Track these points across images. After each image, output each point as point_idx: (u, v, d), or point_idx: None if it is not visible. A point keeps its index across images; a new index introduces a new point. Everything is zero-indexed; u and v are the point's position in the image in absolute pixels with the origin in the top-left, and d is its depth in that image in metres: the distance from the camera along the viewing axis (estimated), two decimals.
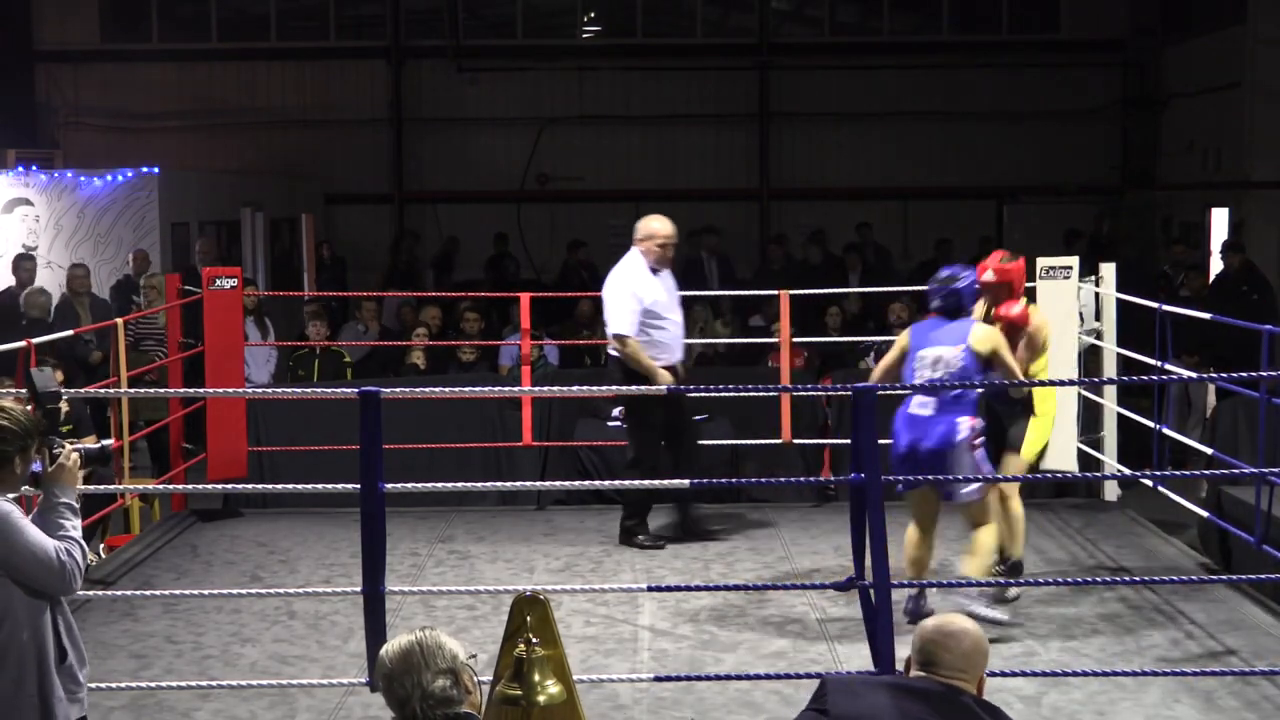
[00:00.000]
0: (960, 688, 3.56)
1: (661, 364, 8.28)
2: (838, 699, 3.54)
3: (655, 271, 8.43)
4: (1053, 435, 8.89)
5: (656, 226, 8.48)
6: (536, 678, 4.31)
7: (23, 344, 7.53)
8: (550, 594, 4.77)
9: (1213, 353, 11.13)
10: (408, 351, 11.46)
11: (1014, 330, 7.20)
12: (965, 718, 3.51)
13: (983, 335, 7.01)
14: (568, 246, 17.49)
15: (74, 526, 4.13)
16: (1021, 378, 7.04)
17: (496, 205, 20.07)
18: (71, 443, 4.27)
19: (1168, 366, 8.03)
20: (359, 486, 5.44)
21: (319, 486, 6.15)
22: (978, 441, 6.89)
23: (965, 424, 6.83)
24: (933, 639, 3.62)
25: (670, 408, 8.39)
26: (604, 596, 7.41)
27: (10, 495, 4.11)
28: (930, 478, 6.70)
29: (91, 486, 4.71)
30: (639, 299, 8.30)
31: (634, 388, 8.08)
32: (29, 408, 4.30)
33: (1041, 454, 7.73)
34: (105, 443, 4.45)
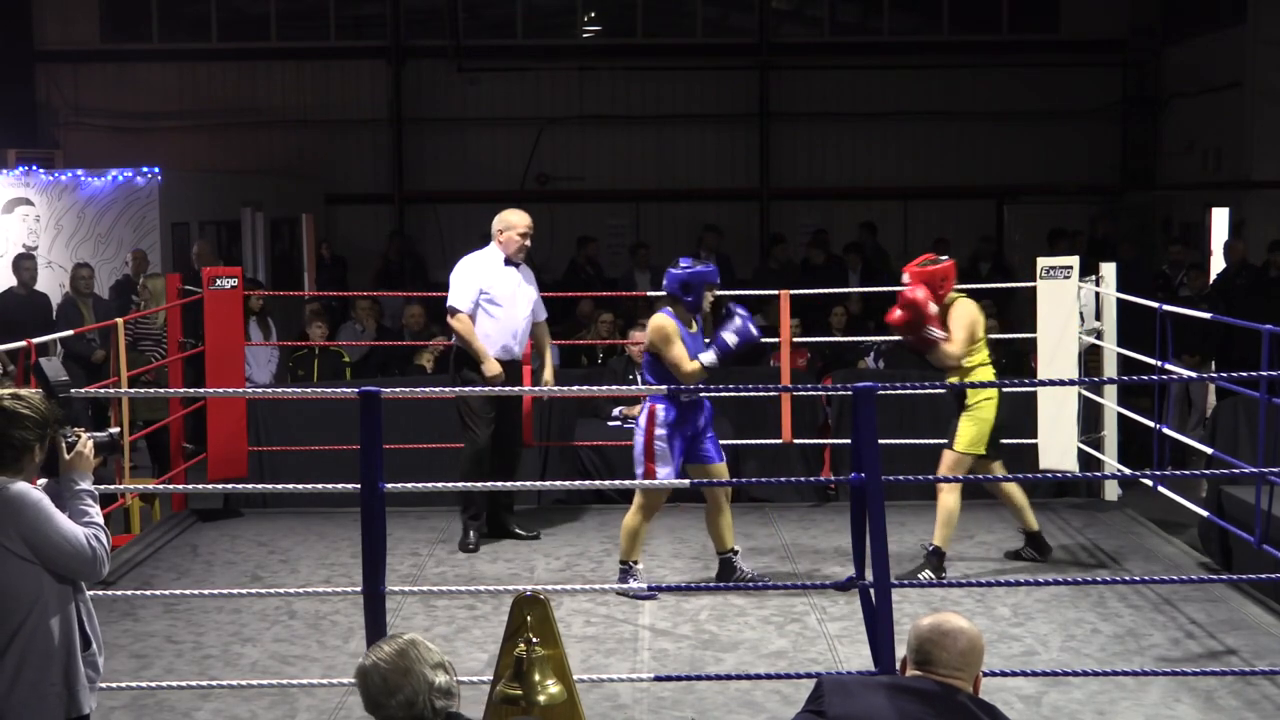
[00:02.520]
0: (957, 686, 3.57)
1: (495, 355, 8.42)
2: (834, 699, 3.54)
3: (511, 264, 8.56)
4: (987, 428, 8.87)
5: (515, 219, 8.59)
6: (536, 678, 4.32)
7: (23, 344, 7.53)
8: (550, 594, 4.78)
9: (1215, 351, 11.13)
10: (418, 352, 11.44)
11: (917, 310, 7.64)
12: (962, 716, 3.51)
13: (649, 328, 7.47)
14: (577, 242, 17.50)
15: (97, 513, 4.18)
16: (687, 369, 7.35)
17: (497, 205, 19.94)
18: (85, 430, 4.29)
19: (1168, 366, 8.03)
20: (359, 486, 5.44)
21: (319, 486, 6.15)
22: (659, 431, 7.30)
23: (645, 410, 7.38)
24: (929, 638, 3.62)
25: (501, 408, 8.50)
26: (604, 596, 7.42)
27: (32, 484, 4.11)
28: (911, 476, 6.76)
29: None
30: (478, 280, 8.48)
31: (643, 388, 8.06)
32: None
33: (994, 446, 7.85)
34: (113, 431, 4.45)
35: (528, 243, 8.57)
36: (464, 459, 8.52)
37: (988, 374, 7.77)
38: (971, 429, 7.74)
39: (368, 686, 3.56)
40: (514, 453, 8.77)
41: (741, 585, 7.44)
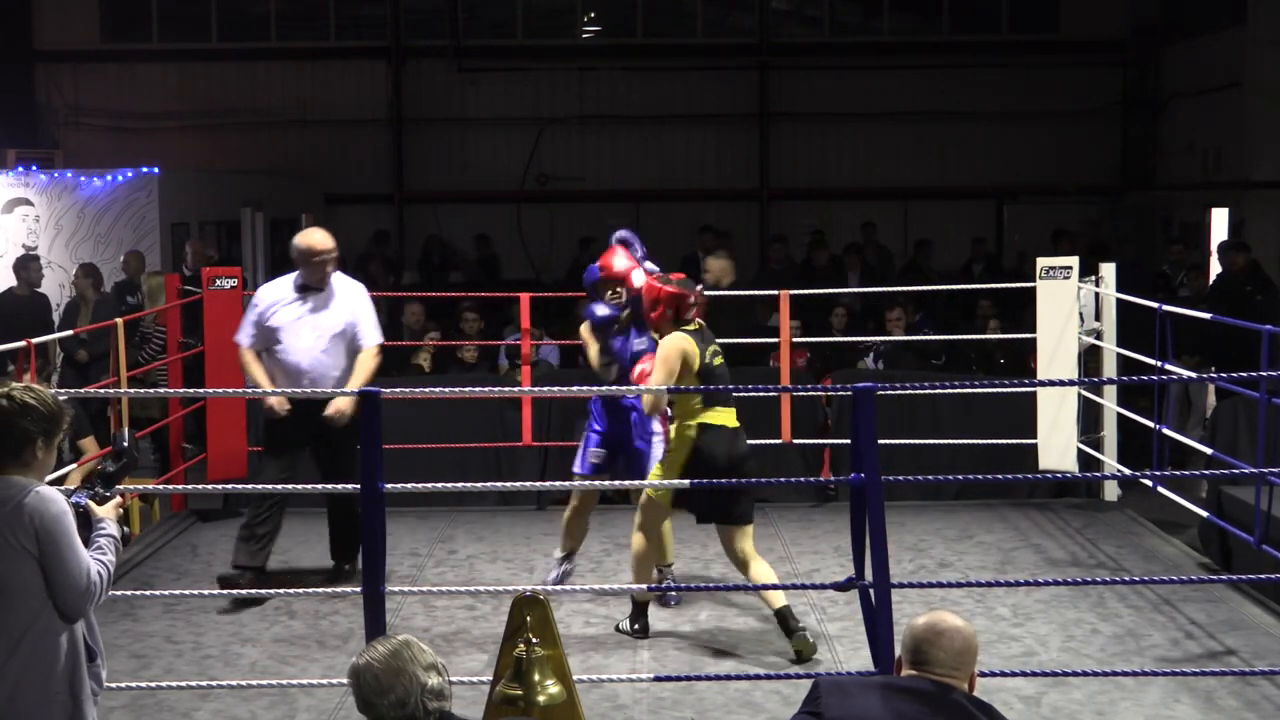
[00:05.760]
0: (952, 685, 3.57)
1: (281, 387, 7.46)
2: (831, 700, 3.55)
3: (310, 289, 7.61)
4: (1051, 435, 8.82)
5: (300, 241, 7.68)
6: (536, 678, 4.32)
7: (23, 344, 7.54)
8: (550, 594, 4.78)
9: (1214, 352, 11.12)
10: (415, 352, 11.45)
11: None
12: (958, 715, 3.52)
13: None
14: (579, 243, 17.51)
15: (112, 559, 4.08)
16: (595, 368, 7.49)
17: (497, 205, 20.08)
18: (99, 465, 4.27)
19: (1168, 366, 8.03)
20: (359, 486, 5.44)
21: (319, 487, 6.15)
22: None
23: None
24: (924, 637, 3.62)
25: (313, 439, 7.52)
26: (604, 596, 7.42)
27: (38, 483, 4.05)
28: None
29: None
30: (256, 309, 7.69)
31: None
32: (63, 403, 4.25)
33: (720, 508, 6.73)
34: (124, 446, 4.39)
35: (325, 269, 7.59)
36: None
37: (688, 432, 6.62)
38: (660, 474, 6.75)
39: (360, 686, 3.58)
40: (344, 500, 7.67)
41: (742, 586, 7.43)
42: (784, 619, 6.60)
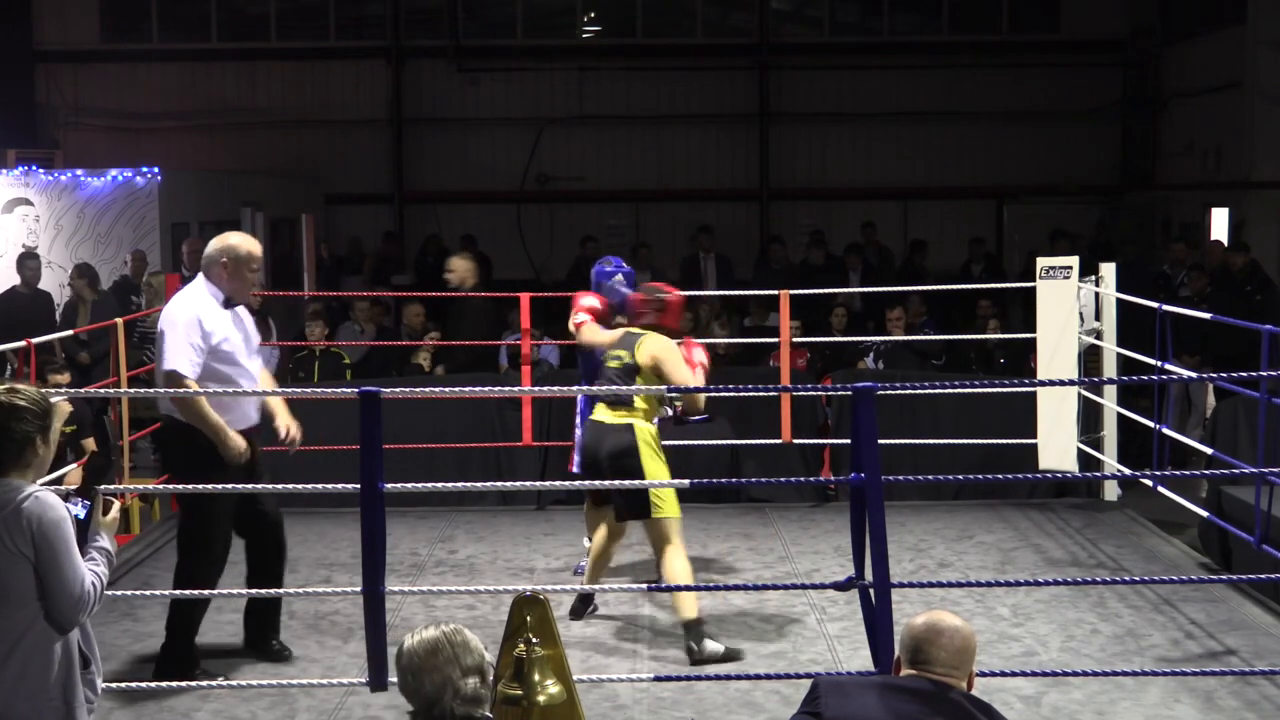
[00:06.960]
0: (951, 685, 3.57)
1: (234, 427, 6.45)
2: (830, 700, 3.55)
3: (231, 305, 6.50)
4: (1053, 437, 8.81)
5: (238, 245, 6.50)
6: (536, 678, 4.31)
7: (23, 344, 7.54)
8: (550, 594, 4.77)
9: (1213, 353, 11.13)
10: (414, 351, 11.44)
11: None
12: (957, 714, 3.52)
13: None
14: (580, 242, 17.52)
15: (105, 572, 4.07)
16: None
17: (496, 205, 20.08)
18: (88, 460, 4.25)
19: (1168, 366, 8.03)
20: (359, 486, 5.44)
21: (319, 486, 6.15)
22: (576, 420, 7.88)
23: None
24: (923, 637, 3.62)
25: (243, 487, 6.41)
26: (604, 596, 7.42)
27: (37, 482, 4.05)
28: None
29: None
30: (198, 329, 6.34)
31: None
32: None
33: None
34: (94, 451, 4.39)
35: (254, 280, 6.56)
36: (184, 577, 6.54)
37: None
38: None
39: (401, 673, 3.49)
40: (275, 538, 6.94)
41: (743, 586, 7.44)
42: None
